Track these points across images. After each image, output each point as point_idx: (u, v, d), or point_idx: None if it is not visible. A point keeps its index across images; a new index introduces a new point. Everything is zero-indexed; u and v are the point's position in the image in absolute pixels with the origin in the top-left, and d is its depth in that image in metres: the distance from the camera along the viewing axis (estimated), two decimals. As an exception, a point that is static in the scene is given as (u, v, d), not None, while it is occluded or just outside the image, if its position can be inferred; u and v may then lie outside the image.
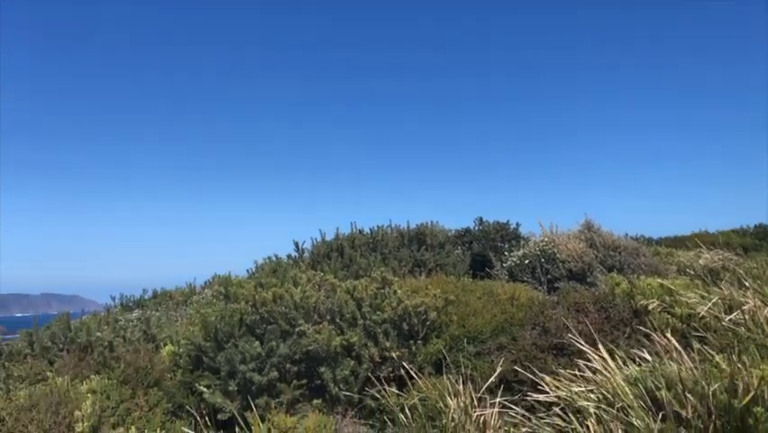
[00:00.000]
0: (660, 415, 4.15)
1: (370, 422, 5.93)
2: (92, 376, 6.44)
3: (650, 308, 6.60)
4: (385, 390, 5.99)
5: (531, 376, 5.63)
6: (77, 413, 5.64)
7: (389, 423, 5.79)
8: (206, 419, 6.41)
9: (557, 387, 5.30)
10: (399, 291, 6.91)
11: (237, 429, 6.13)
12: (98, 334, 7.25)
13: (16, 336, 9.56)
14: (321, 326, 6.28)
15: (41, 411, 5.75)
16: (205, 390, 6.50)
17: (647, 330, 5.68)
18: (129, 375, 6.57)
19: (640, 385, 4.50)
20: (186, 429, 6.09)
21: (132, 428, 5.58)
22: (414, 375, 6.14)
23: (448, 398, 5.69)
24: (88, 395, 5.89)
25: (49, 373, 6.63)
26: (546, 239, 11.32)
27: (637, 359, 5.25)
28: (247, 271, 13.31)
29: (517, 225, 13.65)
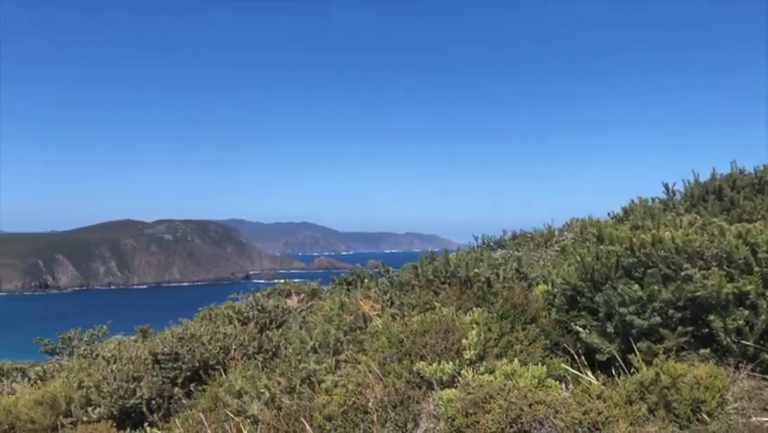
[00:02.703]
0: None
1: (770, 378, 5.38)
2: (473, 309, 6.88)
3: None
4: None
5: None
6: (464, 341, 6.09)
7: (796, 382, 5.20)
8: (582, 358, 6.46)
9: None
10: (803, 237, 6.09)
11: (613, 371, 6.08)
12: (476, 270, 7.71)
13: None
14: (709, 271, 5.83)
15: (432, 337, 6.33)
16: (581, 329, 6.53)
17: None
18: (507, 310, 6.88)
19: None
20: (565, 366, 6.21)
21: (515, 360, 5.84)
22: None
23: None
24: (473, 325, 6.31)
25: (435, 303, 7.26)
26: None
27: None
28: (608, 213, 12.99)
29: None
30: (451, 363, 5.83)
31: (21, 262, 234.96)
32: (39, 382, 11.99)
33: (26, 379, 12.77)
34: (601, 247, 6.88)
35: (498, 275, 7.86)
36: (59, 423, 8.90)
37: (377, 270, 9.81)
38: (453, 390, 5.57)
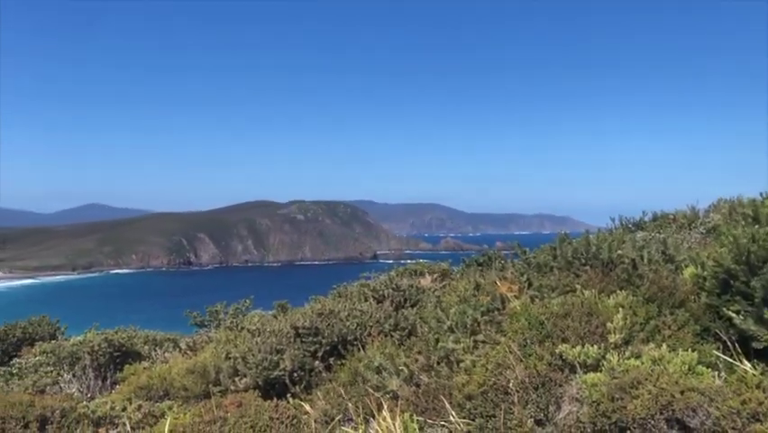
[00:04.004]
0: None
1: None
2: (617, 292, 6.66)
3: None
4: None
5: None
6: (609, 325, 5.91)
7: None
8: (736, 345, 6.10)
9: None
10: None
11: (771, 361, 5.71)
12: (619, 252, 7.45)
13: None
14: None
15: (574, 320, 6.20)
16: (734, 315, 6.17)
17: None
18: (653, 294, 6.61)
19: None
20: (717, 353, 5.90)
21: (664, 345, 5.61)
22: None
23: None
24: (617, 309, 6.11)
25: (576, 286, 7.09)
26: None
27: None
28: (761, 194, 12.16)
29: None
30: (595, 346, 5.68)
31: (166, 240, 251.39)
32: (189, 352, 12.82)
33: (177, 349, 13.67)
34: (757, 228, 6.46)
35: (642, 257, 7.57)
36: (209, 391, 9.49)
37: (513, 251, 9.69)
38: (598, 374, 5.43)
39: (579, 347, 5.75)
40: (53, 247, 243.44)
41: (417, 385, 6.75)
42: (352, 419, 6.48)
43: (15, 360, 14.92)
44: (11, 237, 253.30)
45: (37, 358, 14.14)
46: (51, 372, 12.96)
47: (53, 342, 14.89)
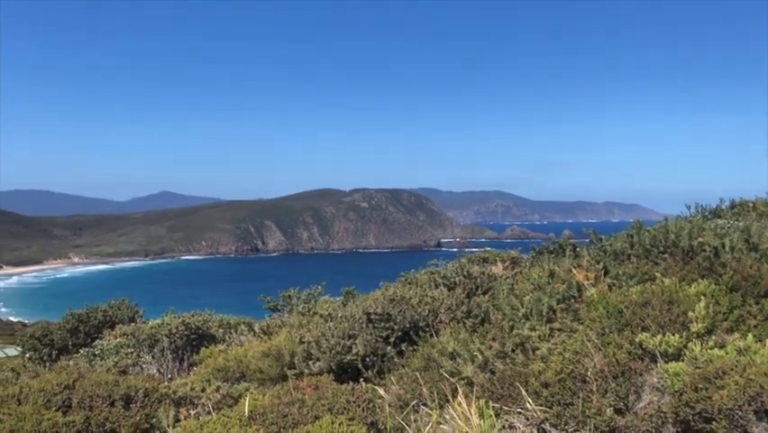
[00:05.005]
0: None
1: None
2: (698, 280, 6.50)
3: None
4: None
5: None
6: (690, 314, 5.78)
7: None
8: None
9: None
10: None
11: None
12: (700, 239, 7.26)
13: (585, 241, 10.27)
14: None
15: (654, 308, 6.08)
16: (824, 306, 5.96)
17: None
18: (736, 283, 6.42)
19: None
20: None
21: (749, 335, 5.45)
22: None
23: None
24: (700, 298, 5.96)
25: (656, 274, 6.94)
26: None
27: None
28: None
29: None
30: (676, 335, 5.56)
31: (234, 227, 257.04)
32: (263, 335, 13.12)
33: (251, 332, 14.00)
34: None
35: (724, 245, 7.34)
36: (284, 374, 9.70)
37: (586, 239, 9.54)
38: (680, 363, 5.32)
39: (659, 336, 5.64)
40: (127, 234, 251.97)
41: (492, 372, 6.74)
42: (426, 404, 6.53)
43: (97, 341, 15.57)
44: (87, 224, 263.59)
45: (118, 340, 14.74)
46: (132, 353, 13.48)
47: (133, 325, 15.47)
